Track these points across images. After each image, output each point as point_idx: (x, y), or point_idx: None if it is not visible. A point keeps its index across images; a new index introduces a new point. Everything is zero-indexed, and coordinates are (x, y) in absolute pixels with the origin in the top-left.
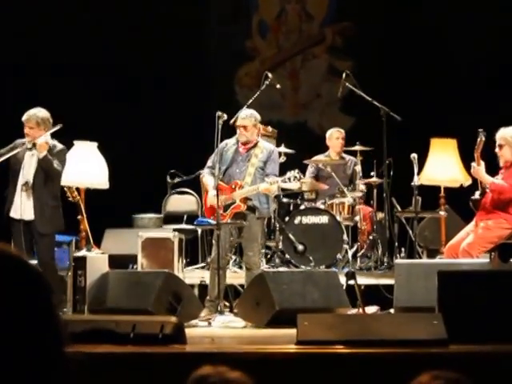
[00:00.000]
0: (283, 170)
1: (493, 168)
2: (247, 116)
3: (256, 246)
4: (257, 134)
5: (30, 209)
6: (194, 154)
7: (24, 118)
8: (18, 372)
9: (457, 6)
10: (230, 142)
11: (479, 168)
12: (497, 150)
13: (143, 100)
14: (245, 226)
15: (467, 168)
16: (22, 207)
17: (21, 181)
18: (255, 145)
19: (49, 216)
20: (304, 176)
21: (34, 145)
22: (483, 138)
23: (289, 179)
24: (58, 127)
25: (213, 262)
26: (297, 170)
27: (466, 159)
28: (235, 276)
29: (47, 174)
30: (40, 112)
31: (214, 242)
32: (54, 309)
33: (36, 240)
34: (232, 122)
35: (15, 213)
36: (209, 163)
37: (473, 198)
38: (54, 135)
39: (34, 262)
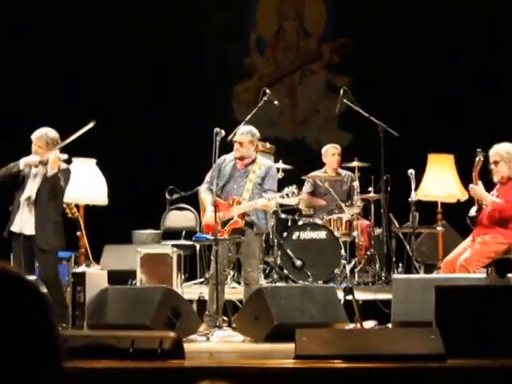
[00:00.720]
0: (281, 185)
1: (488, 184)
2: (244, 132)
3: (254, 262)
4: (254, 150)
5: (31, 223)
6: (192, 171)
7: (34, 136)
8: None
9: (455, 22)
10: (228, 158)
11: (478, 188)
12: (492, 166)
13: (142, 117)
14: (243, 241)
15: (464, 183)
16: (23, 221)
17: (24, 195)
18: (253, 161)
19: (50, 232)
20: (302, 191)
21: (41, 162)
22: (481, 158)
23: (287, 195)
24: (89, 126)
25: (212, 277)
26: (295, 186)
27: (463, 175)
28: (234, 291)
29: (53, 190)
30: (50, 132)
31: (212, 257)
32: (53, 324)
33: (37, 255)
34: (230, 137)
35: (15, 227)
36: (207, 178)
37: (470, 215)
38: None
39: (33, 277)
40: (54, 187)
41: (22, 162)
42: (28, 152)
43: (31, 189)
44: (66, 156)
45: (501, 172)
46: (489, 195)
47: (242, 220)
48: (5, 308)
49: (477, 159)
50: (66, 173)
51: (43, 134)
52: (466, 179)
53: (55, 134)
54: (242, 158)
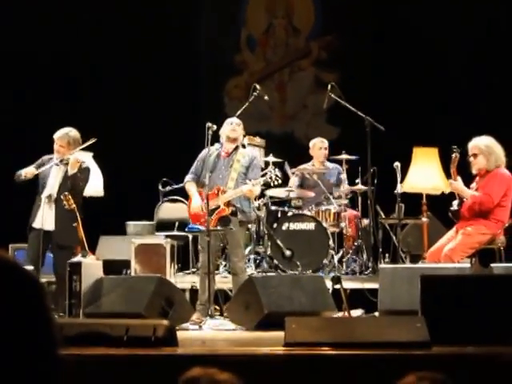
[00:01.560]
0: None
1: (467, 176)
2: (235, 120)
3: (240, 252)
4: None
5: (51, 219)
6: (184, 164)
7: (56, 135)
8: (13, 373)
9: (442, 18)
10: (213, 148)
11: (457, 183)
12: (471, 158)
13: (135, 112)
14: (233, 230)
15: (448, 176)
16: (44, 217)
17: (45, 193)
18: (236, 150)
19: (70, 229)
20: (283, 175)
21: (62, 161)
22: (457, 155)
23: (270, 178)
24: (90, 142)
25: (202, 267)
26: (277, 169)
27: (448, 167)
28: (225, 281)
29: (73, 189)
30: (71, 132)
31: (200, 248)
32: (48, 312)
33: (54, 251)
34: (221, 129)
35: (37, 223)
36: (191, 169)
37: (452, 209)
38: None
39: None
40: (73, 187)
41: (23, 173)
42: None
43: (52, 187)
44: (85, 160)
45: (479, 164)
46: (467, 190)
47: (229, 208)
48: (0, 295)
49: (453, 156)
50: (85, 172)
51: (65, 134)
52: (449, 172)
53: (76, 134)
54: (235, 139)
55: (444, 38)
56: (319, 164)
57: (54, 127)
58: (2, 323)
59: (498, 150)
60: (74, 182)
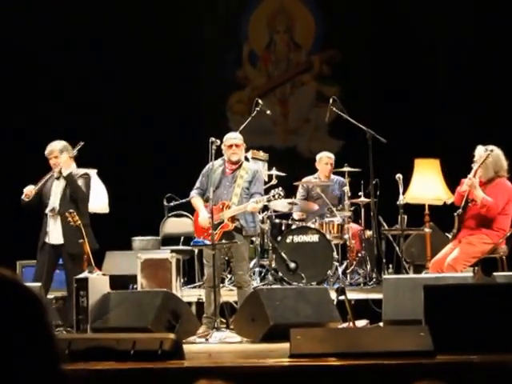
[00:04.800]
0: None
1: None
2: (238, 137)
3: (245, 265)
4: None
5: (57, 232)
6: (189, 179)
7: (47, 151)
8: None
9: (442, 29)
10: (216, 164)
11: (475, 180)
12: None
13: (141, 128)
14: (238, 244)
15: (450, 186)
16: (50, 232)
17: (48, 208)
18: (240, 166)
19: (79, 237)
20: (285, 193)
21: (61, 173)
22: (489, 158)
23: (273, 197)
24: (79, 146)
25: (207, 281)
26: (280, 188)
27: (449, 178)
28: (231, 294)
29: (74, 193)
30: (59, 142)
31: (205, 261)
32: (50, 327)
33: (65, 264)
34: (222, 144)
35: (46, 238)
36: (197, 184)
37: (459, 212)
38: None
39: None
40: (74, 192)
41: (24, 194)
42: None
43: (54, 201)
44: (75, 151)
45: (478, 172)
46: (481, 192)
47: (232, 223)
48: (2, 312)
49: (485, 154)
50: (85, 178)
51: (54, 146)
52: (451, 182)
53: (63, 142)
54: (237, 161)
55: (446, 51)
56: (324, 177)
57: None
58: (2, 339)
59: (500, 161)
60: (72, 186)
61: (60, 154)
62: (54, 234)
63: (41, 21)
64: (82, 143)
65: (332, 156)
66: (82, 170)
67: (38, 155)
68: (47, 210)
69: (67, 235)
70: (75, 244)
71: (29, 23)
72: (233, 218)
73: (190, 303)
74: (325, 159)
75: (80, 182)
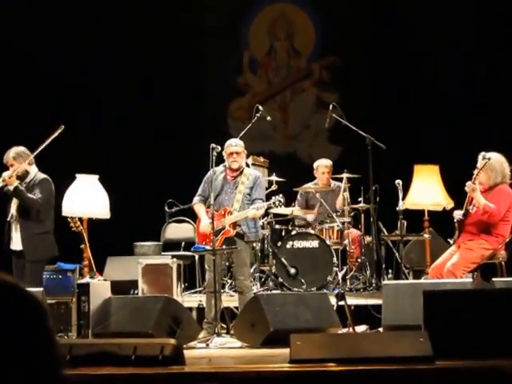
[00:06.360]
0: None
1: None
2: (238, 144)
3: (246, 270)
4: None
5: (18, 240)
6: (190, 185)
7: (4, 159)
8: None
9: (441, 35)
10: (218, 170)
11: (476, 187)
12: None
13: (142, 133)
14: (239, 250)
15: (449, 192)
16: (12, 238)
17: (9, 215)
18: (241, 172)
19: (37, 244)
20: (285, 200)
21: (19, 179)
22: (490, 164)
23: (274, 203)
24: (59, 131)
25: (208, 286)
26: (281, 195)
27: (448, 184)
28: (231, 299)
29: (25, 205)
30: (13, 149)
31: (206, 267)
32: (50, 333)
33: (26, 269)
34: (223, 151)
35: (11, 245)
36: (199, 191)
37: (458, 218)
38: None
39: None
40: (24, 203)
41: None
42: None
43: (13, 208)
44: (31, 158)
45: (479, 179)
46: (482, 197)
47: (234, 229)
48: (2, 317)
49: (483, 162)
50: (42, 183)
51: (7, 154)
52: (450, 188)
53: (18, 148)
54: (237, 169)
55: (446, 57)
56: (322, 185)
57: (57, 151)
58: (2, 344)
59: (501, 168)
60: (18, 197)
61: (14, 160)
62: (15, 241)
63: (41, 21)
64: (62, 127)
65: (329, 164)
66: (42, 175)
67: (37, 155)
68: (8, 218)
69: (25, 243)
70: (34, 250)
71: (29, 23)
72: (234, 224)
73: (190, 308)
74: (321, 168)
75: (37, 190)
